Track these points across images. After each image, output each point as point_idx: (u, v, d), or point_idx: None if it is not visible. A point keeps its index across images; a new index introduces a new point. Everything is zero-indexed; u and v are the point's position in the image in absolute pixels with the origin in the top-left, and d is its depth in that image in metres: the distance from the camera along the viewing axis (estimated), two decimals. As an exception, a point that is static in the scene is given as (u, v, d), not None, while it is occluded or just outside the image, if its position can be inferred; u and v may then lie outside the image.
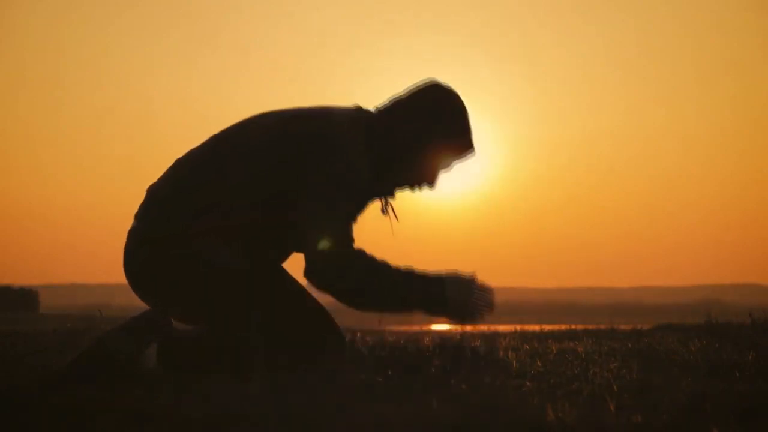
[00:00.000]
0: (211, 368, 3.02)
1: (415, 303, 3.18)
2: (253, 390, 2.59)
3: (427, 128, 3.21)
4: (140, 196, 3.28)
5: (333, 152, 3.11)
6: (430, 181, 3.28)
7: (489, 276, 3.30)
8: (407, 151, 3.22)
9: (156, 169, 3.32)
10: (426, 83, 3.28)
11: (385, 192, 3.32)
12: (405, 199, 3.38)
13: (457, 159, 3.27)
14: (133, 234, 3.21)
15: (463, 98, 3.28)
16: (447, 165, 3.28)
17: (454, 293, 3.18)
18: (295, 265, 3.27)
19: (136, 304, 3.29)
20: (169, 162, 3.30)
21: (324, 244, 3.08)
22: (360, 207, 3.28)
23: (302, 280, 3.19)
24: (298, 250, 3.24)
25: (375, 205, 3.35)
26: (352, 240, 3.16)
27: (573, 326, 6.76)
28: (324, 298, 3.28)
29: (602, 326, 6.60)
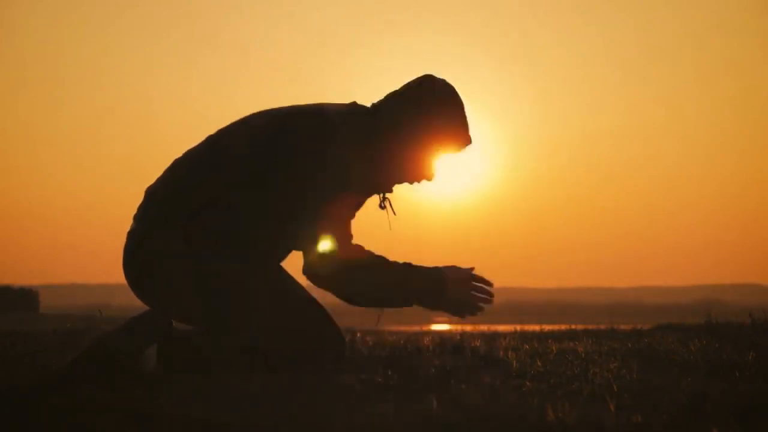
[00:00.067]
0: (211, 368, 3.03)
1: (413, 297, 3.19)
2: (253, 390, 2.59)
3: (422, 120, 3.21)
4: (140, 197, 3.28)
5: (328, 149, 3.11)
6: (428, 174, 3.27)
7: (489, 276, 3.31)
8: (404, 145, 3.22)
9: (156, 169, 3.33)
10: (421, 77, 3.28)
11: (383, 187, 3.32)
12: (405, 199, 3.38)
13: (455, 151, 3.26)
14: (132, 235, 3.21)
15: (462, 98, 3.28)
16: (444, 157, 3.27)
17: (452, 287, 3.18)
18: (294, 264, 3.27)
19: (136, 304, 3.29)
20: (169, 162, 3.31)
21: (321, 242, 3.09)
22: (357, 203, 3.28)
23: (301, 279, 3.20)
24: (297, 249, 3.24)
25: (374, 202, 3.35)
26: (349, 237, 3.17)
27: (573, 326, 6.75)
28: (324, 298, 3.28)
29: (602, 326, 6.60)
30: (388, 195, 3.34)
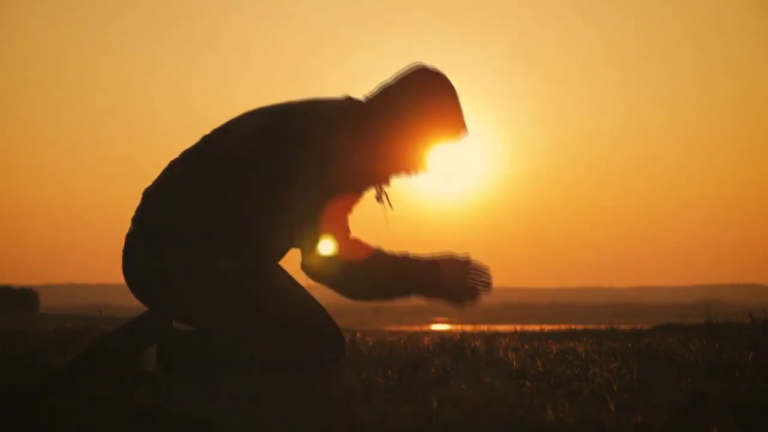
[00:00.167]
0: (211, 368, 3.03)
1: (411, 288, 3.20)
2: (253, 390, 2.59)
3: (415, 108, 3.20)
4: (140, 197, 3.28)
5: (324, 144, 3.11)
6: (424, 166, 3.27)
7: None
8: (398, 134, 3.21)
9: (156, 169, 3.32)
10: (412, 67, 3.28)
11: (380, 179, 3.32)
12: (405, 199, 3.38)
13: (451, 141, 3.26)
14: (130, 237, 3.21)
15: (459, 95, 3.28)
16: (441, 148, 3.26)
17: (450, 275, 3.19)
18: (293, 262, 3.27)
19: (136, 304, 3.29)
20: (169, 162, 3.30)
21: (320, 243, 3.09)
22: (355, 197, 3.28)
23: (299, 276, 3.20)
24: (295, 247, 3.24)
25: (374, 201, 3.35)
26: (347, 231, 3.17)
27: (573, 326, 6.75)
28: (324, 298, 3.28)
29: (602, 326, 6.60)
30: (385, 189, 3.34)
